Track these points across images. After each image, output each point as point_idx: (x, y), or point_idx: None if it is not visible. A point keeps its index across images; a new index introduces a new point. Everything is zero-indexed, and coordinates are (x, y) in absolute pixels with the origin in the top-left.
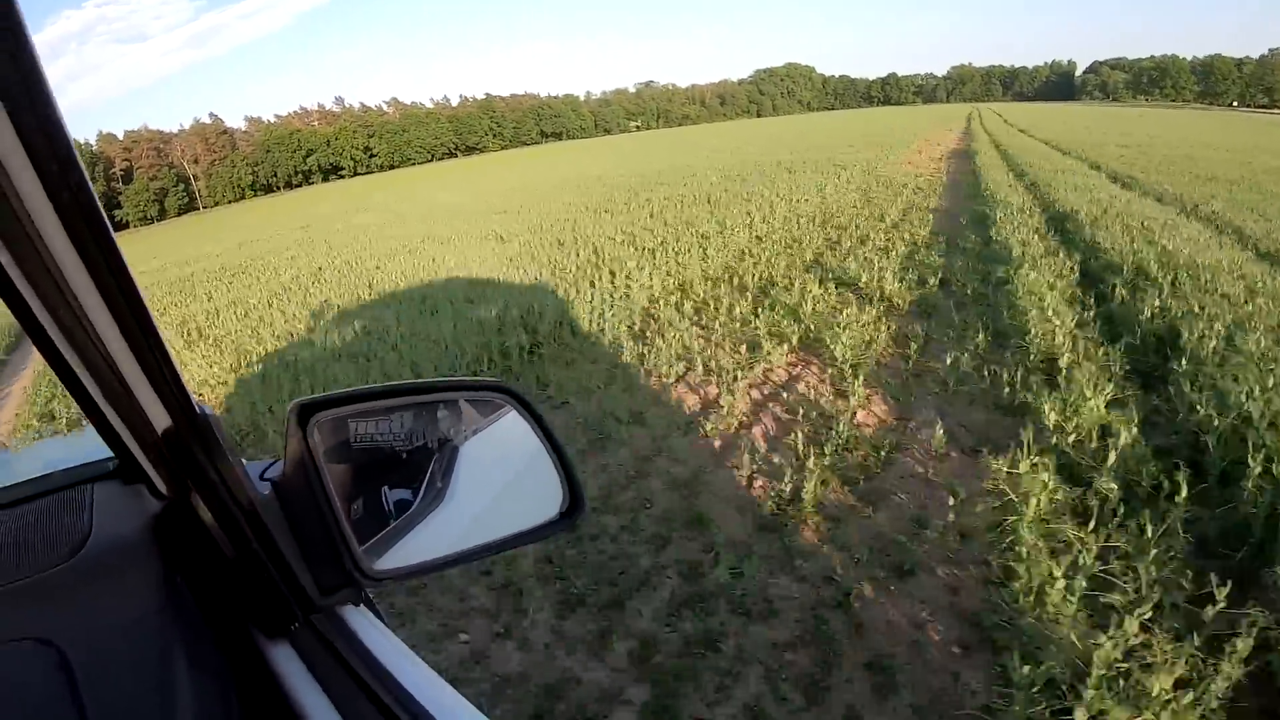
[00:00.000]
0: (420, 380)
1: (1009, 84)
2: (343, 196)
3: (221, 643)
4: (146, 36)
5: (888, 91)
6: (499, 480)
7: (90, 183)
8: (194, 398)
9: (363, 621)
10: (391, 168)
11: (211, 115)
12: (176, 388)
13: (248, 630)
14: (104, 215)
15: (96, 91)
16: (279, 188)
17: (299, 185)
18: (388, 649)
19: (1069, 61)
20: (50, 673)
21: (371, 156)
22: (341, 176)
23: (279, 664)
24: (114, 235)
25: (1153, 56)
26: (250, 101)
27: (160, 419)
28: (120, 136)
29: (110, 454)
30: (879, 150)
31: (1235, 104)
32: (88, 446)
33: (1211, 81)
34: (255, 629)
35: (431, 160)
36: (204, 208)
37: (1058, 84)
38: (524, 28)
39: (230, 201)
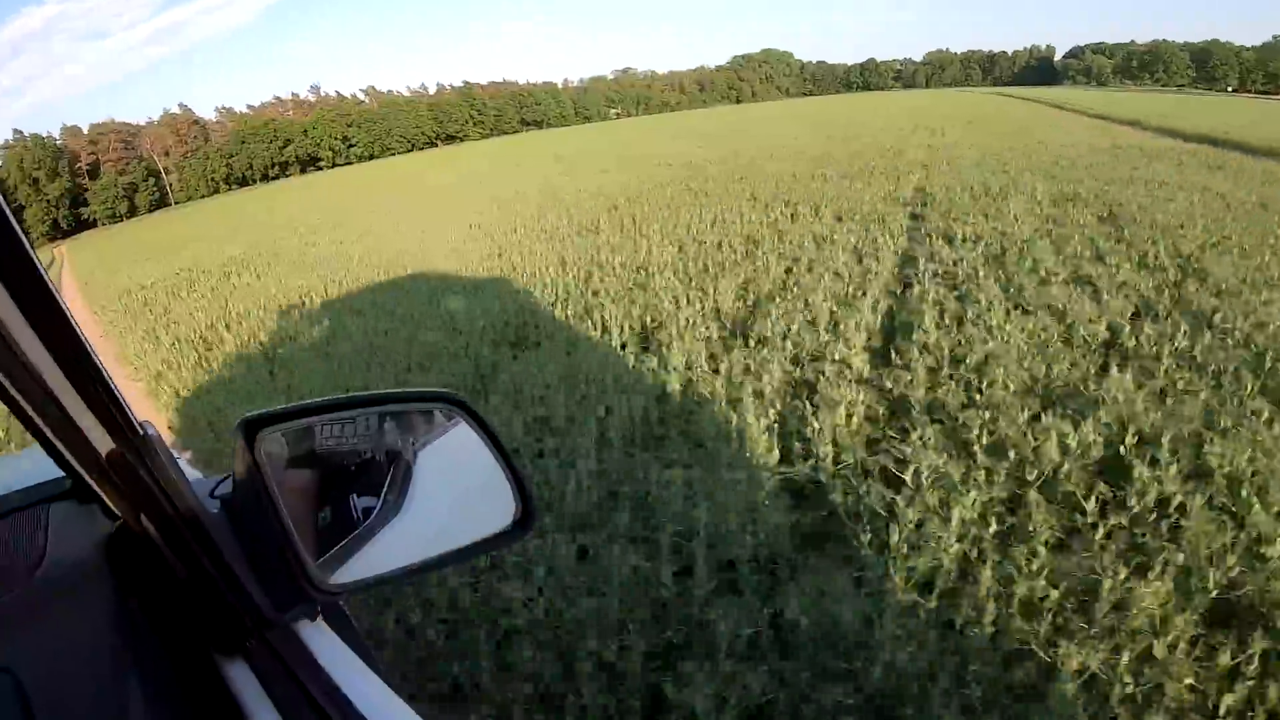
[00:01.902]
0: (369, 392)
1: (988, 69)
2: (341, 184)
3: (177, 663)
4: (108, 33)
5: (866, 77)
6: (453, 491)
7: (2, 200)
8: (135, 418)
9: (318, 637)
10: (371, 158)
11: (182, 106)
12: (116, 409)
13: (204, 649)
14: (22, 235)
15: (59, 90)
16: (255, 180)
17: (275, 178)
18: (342, 665)
19: (1047, 46)
20: (6, 700)
21: (350, 146)
22: (320, 168)
23: (234, 682)
24: (35, 256)
25: (1134, 41)
26: (219, 96)
27: (103, 441)
28: (85, 130)
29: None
30: None
31: (1232, 90)
32: (45, 463)
33: (1210, 67)
34: (212, 647)
35: (412, 150)
36: (176, 203)
37: (1038, 69)
38: (500, 14)
39: (204, 196)
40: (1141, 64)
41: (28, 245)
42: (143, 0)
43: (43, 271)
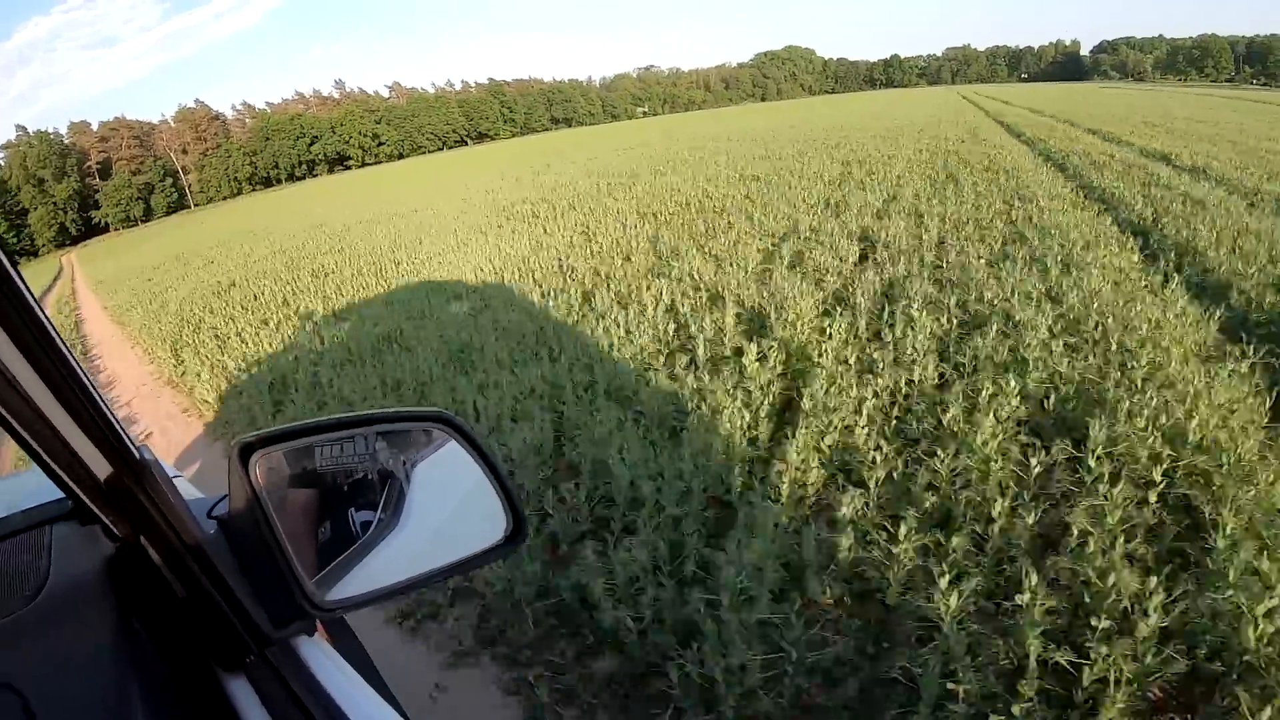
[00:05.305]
0: (361, 413)
1: (1014, 65)
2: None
3: (178, 681)
4: (116, 40)
5: (890, 74)
6: (445, 507)
7: None
8: (133, 443)
9: (316, 653)
10: (400, 156)
11: (198, 101)
12: (112, 434)
13: (206, 666)
14: (3, 257)
15: (67, 97)
16: (280, 180)
17: (302, 177)
18: (339, 680)
19: (1073, 41)
20: (11, 718)
21: (380, 144)
22: (348, 167)
23: (235, 698)
24: (25, 285)
25: (1161, 35)
26: (231, 101)
27: (100, 466)
28: (95, 127)
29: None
30: None
31: None
32: (47, 484)
33: (1270, 63)
34: (213, 664)
35: (443, 148)
36: (196, 205)
37: (1064, 64)
38: (519, 9)
39: (225, 197)
40: (1189, 59)
41: (11, 268)
42: (149, 8)
43: (29, 295)
